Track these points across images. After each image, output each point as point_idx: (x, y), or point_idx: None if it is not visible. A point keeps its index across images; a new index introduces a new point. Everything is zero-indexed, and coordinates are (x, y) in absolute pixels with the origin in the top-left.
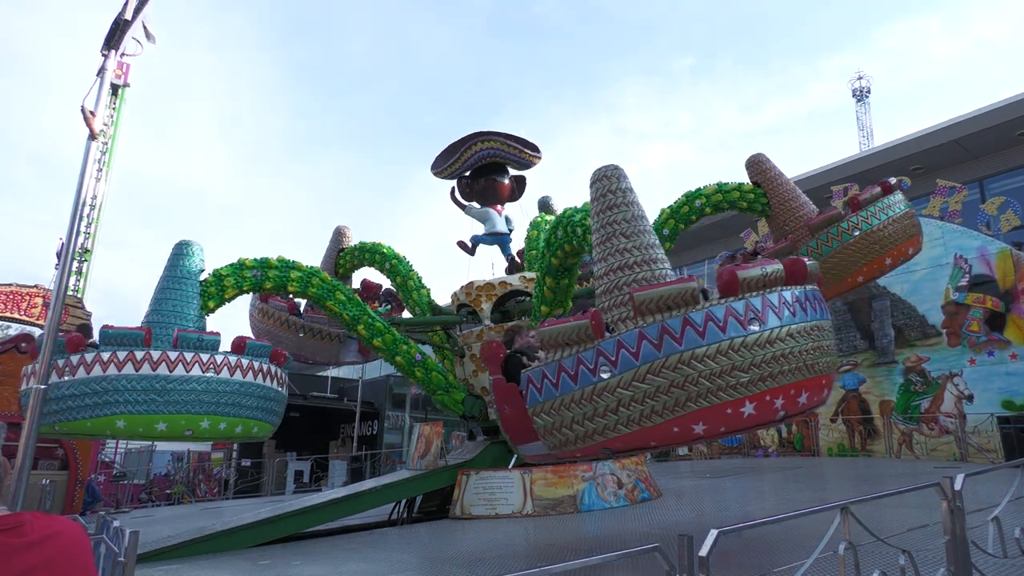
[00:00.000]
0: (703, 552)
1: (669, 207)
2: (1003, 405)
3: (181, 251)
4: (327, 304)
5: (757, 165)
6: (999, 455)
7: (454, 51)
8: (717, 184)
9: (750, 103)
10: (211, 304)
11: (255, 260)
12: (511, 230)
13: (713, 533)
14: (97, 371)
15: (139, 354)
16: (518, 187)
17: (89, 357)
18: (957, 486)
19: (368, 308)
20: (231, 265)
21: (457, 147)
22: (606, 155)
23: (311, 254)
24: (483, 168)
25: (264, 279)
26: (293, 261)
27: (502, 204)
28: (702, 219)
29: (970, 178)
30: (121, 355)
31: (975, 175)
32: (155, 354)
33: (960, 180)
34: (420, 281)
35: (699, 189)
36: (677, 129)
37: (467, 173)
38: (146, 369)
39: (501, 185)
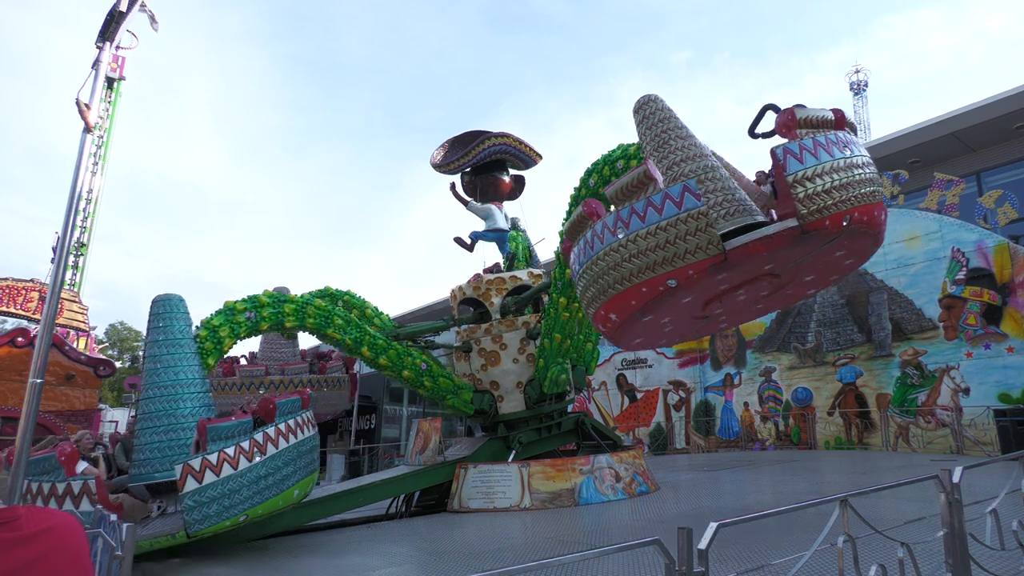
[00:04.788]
0: (702, 545)
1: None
2: (999, 398)
3: (163, 310)
4: (327, 332)
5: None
6: (995, 448)
7: (451, 46)
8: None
9: (748, 96)
10: (211, 361)
11: (245, 301)
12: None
13: (712, 526)
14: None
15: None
16: (518, 186)
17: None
18: (956, 479)
19: (367, 327)
20: (220, 312)
21: (466, 142)
22: (603, 148)
23: (310, 247)
24: (485, 166)
25: (259, 320)
26: (283, 295)
27: (502, 201)
28: None
29: (967, 171)
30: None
31: (972, 168)
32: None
33: (957, 173)
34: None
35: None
36: None
37: (468, 169)
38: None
39: (502, 182)
